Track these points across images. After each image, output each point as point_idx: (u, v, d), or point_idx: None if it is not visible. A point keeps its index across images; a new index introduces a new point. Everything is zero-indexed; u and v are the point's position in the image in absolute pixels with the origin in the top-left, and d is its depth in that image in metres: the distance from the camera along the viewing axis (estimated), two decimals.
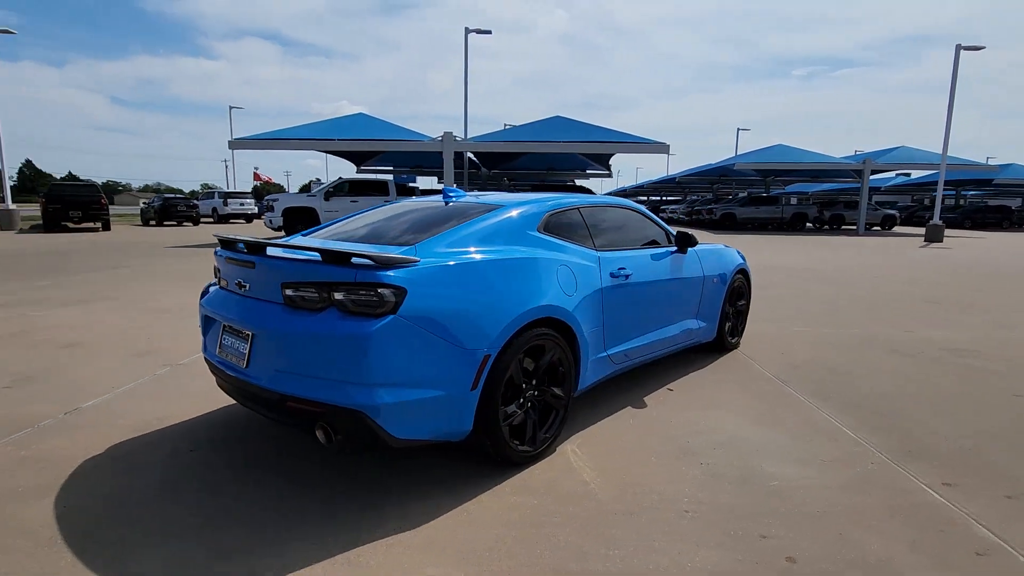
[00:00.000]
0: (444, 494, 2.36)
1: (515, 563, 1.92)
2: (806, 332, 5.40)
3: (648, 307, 3.52)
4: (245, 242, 2.46)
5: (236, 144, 14.82)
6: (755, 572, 1.88)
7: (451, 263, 2.34)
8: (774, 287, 8.22)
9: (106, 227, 19.74)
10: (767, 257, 12.69)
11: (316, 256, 2.23)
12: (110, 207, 21.54)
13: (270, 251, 2.43)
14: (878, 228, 27.90)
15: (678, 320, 3.90)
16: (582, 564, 1.92)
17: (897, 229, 28.28)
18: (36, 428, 2.98)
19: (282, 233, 14.65)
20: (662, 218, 33.48)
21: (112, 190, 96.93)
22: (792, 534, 2.10)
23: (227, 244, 2.61)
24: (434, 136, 14.76)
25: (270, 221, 15.29)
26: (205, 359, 2.73)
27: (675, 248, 3.89)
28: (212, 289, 2.81)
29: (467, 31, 18.55)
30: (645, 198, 53.41)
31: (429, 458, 2.67)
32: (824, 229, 26.89)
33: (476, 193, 3.51)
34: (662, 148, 14.28)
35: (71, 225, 19.13)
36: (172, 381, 3.76)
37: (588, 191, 15.86)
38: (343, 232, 3.03)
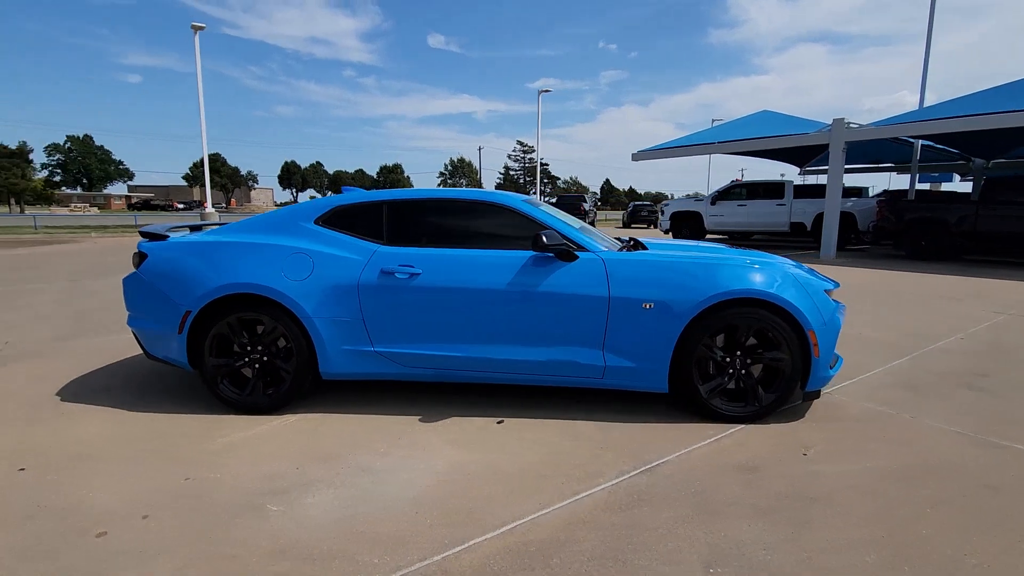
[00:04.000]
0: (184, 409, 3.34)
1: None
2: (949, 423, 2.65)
3: (462, 315, 3.08)
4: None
5: (639, 156, 16.36)
6: None
7: (181, 243, 3.26)
8: None
9: None
10: None
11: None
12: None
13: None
14: None
15: (545, 345, 3.08)
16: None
17: None
18: None
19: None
20: None
21: (656, 199, 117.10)
22: None
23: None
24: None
25: (660, 225, 16.32)
26: None
27: (548, 254, 3.07)
28: None
29: None
30: None
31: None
32: None
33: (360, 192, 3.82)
34: None
35: None
36: None
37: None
38: None
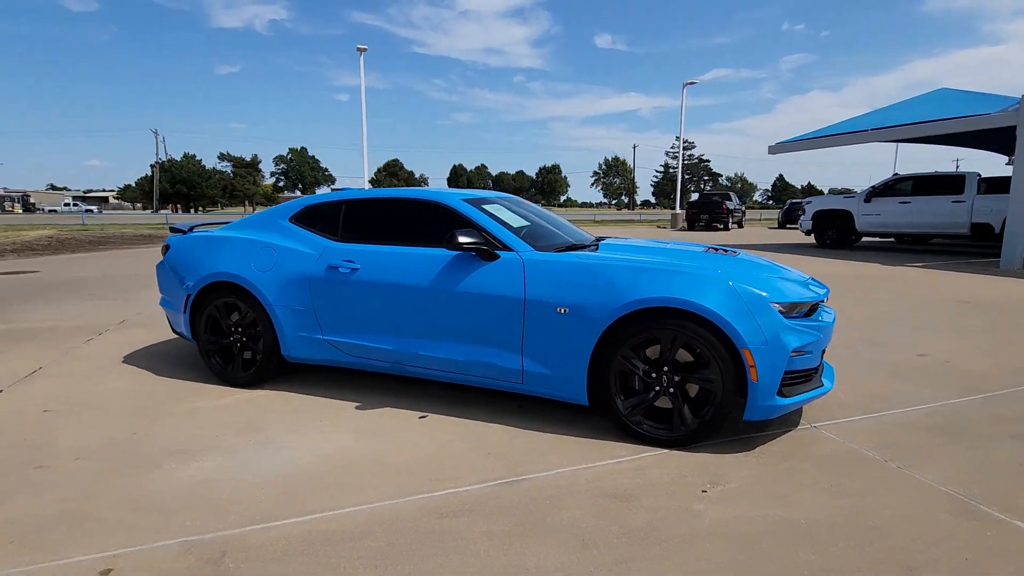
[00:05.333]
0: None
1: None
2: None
3: (392, 309, 3.18)
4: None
5: (776, 148, 14.49)
6: None
7: (192, 236, 3.82)
8: None
9: (726, 228, 23.36)
10: None
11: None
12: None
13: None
14: None
15: (465, 344, 3.04)
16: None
17: None
18: None
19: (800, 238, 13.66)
20: None
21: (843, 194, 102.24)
22: None
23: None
24: None
25: (801, 225, 14.44)
26: None
27: (470, 253, 3.02)
28: None
29: None
30: None
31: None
32: None
33: (352, 190, 4.04)
34: None
35: (699, 226, 23.78)
36: None
37: None
38: None
